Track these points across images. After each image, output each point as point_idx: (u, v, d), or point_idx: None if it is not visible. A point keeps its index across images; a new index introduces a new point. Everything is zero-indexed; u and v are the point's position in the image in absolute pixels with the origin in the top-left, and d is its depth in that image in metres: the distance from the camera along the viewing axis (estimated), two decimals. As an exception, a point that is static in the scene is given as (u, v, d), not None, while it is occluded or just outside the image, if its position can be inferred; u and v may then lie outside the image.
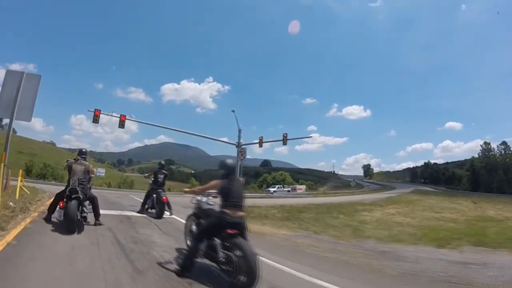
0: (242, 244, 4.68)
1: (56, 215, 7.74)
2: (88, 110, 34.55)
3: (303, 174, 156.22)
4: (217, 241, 4.94)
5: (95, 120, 34.26)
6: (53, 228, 7.33)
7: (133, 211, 12.27)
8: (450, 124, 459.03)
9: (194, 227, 6.03)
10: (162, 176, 12.28)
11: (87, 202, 8.30)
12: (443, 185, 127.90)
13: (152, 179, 12.43)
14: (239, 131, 46.15)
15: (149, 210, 11.84)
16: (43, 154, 76.91)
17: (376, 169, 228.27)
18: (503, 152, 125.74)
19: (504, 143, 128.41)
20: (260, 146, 44.73)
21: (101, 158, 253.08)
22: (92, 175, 8.68)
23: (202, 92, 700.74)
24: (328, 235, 11.89)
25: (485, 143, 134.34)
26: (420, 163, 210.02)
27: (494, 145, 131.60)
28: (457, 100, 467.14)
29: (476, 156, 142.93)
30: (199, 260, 5.19)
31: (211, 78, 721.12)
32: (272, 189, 62.32)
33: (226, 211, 4.94)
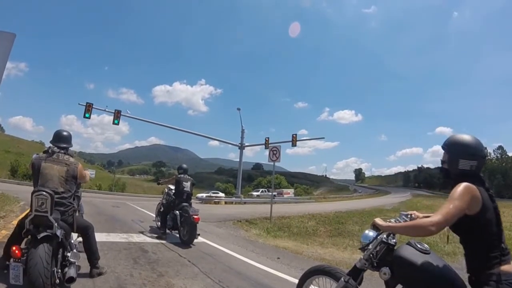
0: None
1: (11, 274, 3.31)
2: (79, 104, 31.01)
3: (296, 177, 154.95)
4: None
5: (87, 114, 30.68)
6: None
7: (144, 232, 8.52)
8: (440, 129, 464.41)
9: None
10: (188, 184, 8.16)
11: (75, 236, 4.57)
12: (437, 189, 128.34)
13: (172, 189, 8.49)
14: (242, 131, 42.93)
15: (168, 231, 7.98)
16: (31, 154, 72.79)
17: (367, 173, 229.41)
18: (499, 156, 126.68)
19: (500, 147, 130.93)
20: (266, 147, 41.50)
21: (91, 159, 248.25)
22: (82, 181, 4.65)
23: (195, 94, 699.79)
24: None
25: None
26: (410, 167, 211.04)
27: (489, 150, 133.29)
28: (447, 105, 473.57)
29: None
30: None
31: (203, 81, 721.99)
32: (255, 193, 56.94)
33: (505, 268, 1.99)
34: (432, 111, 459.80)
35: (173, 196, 8.27)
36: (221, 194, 51.12)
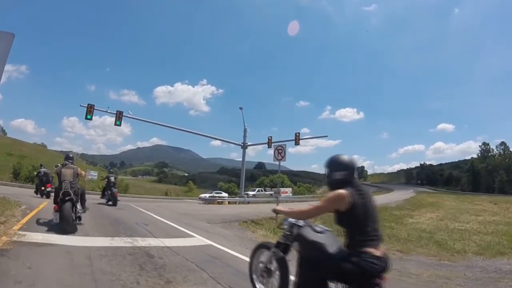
0: None
1: (53, 218, 7.98)
2: (81, 105, 30.85)
3: (299, 176, 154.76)
4: None
5: (88, 116, 30.49)
6: None
7: (149, 235, 8.42)
8: (442, 125, 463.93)
9: (275, 266, 4.01)
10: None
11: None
12: (440, 186, 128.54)
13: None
14: (245, 131, 42.59)
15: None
16: (33, 156, 73.23)
17: (369, 171, 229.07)
18: (502, 152, 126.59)
19: (503, 143, 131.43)
20: (269, 146, 41.25)
21: (93, 161, 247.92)
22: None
23: (196, 94, 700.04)
24: (420, 254, 9.66)
25: (484, 143, 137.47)
26: (412, 164, 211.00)
27: (492, 146, 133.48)
28: (449, 102, 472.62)
29: (469, 157, 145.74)
30: None
31: (205, 81, 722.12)
32: (251, 193, 54.15)
33: (369, 249, 2.85)
34: (434, 108, 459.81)
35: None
36: (224, 194, 50.81)
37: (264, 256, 4.25)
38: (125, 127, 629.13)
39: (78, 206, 8.37)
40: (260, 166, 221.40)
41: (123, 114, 32.58)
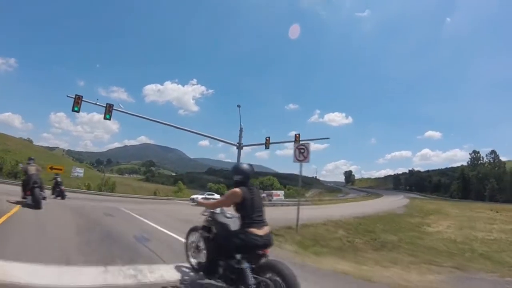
0: (278, 266, 3.98)
1: (29, 200, 12.24)
2: (68, 96, 28.15)
3: (287, 179, 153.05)
4: (245, 264, 4.13)
5: (75, 107, 27.94)
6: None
7: (157, 259, 6.22)
8: (429, 133, 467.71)
9: (202, 244, 5.24)
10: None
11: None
12: (429, 192, 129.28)
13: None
14: (241, 130, 40.22)
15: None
16: (18, 151, 70.34)
17: (357, 176, 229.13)
18: (492, 161, 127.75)
19: (493, 152, 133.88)
20: (267, 147, 39.06)
21: (79, 157, 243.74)
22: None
23: (186, 94, 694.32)
24: (479, 271, 8.50)
25: (474, 151, 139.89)
26: (399, 170, 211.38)
27: (481, 154, 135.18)
28: (438, 110, 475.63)
29: (456, 165, 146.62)
30: (215, 283, 4.53)
31: (195, 81, 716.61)
32: None
33: (253, 229, 4.27)
34: (422, 115, 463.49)
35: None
36: (217, 196, 48.60)
37: (195, 236, 5.55)
38: (113, 124, 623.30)
39: (42, 191, 13.09)
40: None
41: (113, 108, 30.11)
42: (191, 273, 5.43)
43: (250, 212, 4.30)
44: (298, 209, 13.28)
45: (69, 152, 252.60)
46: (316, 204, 47.74)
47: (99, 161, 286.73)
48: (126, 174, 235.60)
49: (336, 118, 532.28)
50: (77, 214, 12.53)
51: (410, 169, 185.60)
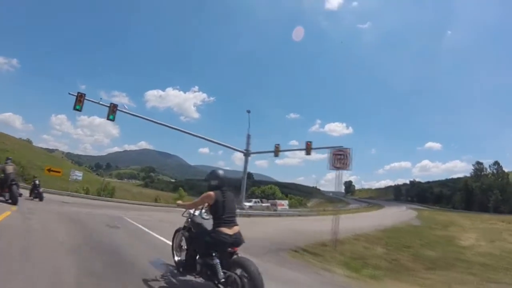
0: (245, 263, 4.50)
1: (6, 197, 14.19)
2: (70, 94, 26.64)
3: (288, 188, 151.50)
4: (216, 260, 4.70)
5: (77, 106, 26.28)
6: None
7: None
8: (430, 144, 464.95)
9: (184, 243, 5.86)
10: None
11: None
12: (430, 203, 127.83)
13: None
14: (248, 136, 38.63)
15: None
16: (16, 151, 68.26)
17: (357, 186, 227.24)
18: (495, 172, 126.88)
19: (496, 163, 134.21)
20: (276, 155, 37.38)
21: (78, 160, 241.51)
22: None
23: (187, 100, 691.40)
24: None
25: (477, 163, 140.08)
26: (399, 181, 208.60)
27: (484, 165, 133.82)
28: (438, 121, 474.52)
29: (456, 176, 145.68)
30: (194, 279, 5.31)
31: (196, 88, 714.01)
32: (247, 204, 47.77)
33: (223, 229, 4.82)
34: (423, 126, 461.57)
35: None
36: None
37: (179, 236, 6.14)
38: (113, 129, 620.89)
39: (19, 189, 15.17)
40: (248, 176, 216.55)
41: (118, 108, 28.49)
42: (175, 271, 5.86)
43: (221, 213, 4.88)
44: (334, 221, 11.55)
45: (68, 155, 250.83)
46: (321, 215, 45.86)
47: (98, 165, 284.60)
48: (125, 179, 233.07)
49: (337, 128, 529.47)
50: (74, 226, 10.58)
51: (411, 180, 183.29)
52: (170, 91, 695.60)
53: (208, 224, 5.11)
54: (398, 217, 41.08)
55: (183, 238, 5.84)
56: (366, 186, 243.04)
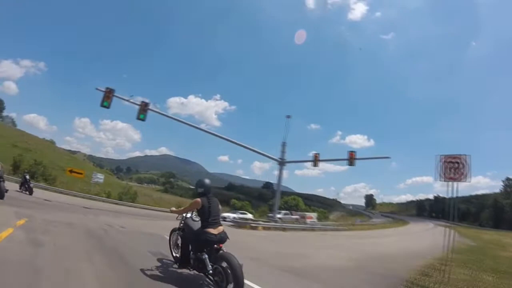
0: (228, 257, 5.47)
1: None
2: (97, 89, 24.63)
3: (309, 200, 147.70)
4: (205, 255, 5.71)
5: (105, 102, 24.22)
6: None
7: None
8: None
9: (179, 241, 6.91)
10: None
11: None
12: (456, 220, 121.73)
13: None
14: (284, 144, 35.96)
15: None
16: (39, 151, 67.92)
17: (377, 200, 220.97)
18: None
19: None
20: (315, 165, 34.60)
21: (100, 163, 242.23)
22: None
23: (208, 108, 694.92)
24: None
25: (507, 179, 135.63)
26: (420, 196, 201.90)
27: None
28: (461, 135, 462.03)
29: (480, 192, 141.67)
30: (189, 271, 6.29)
31: (218, 96, 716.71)
32: (277, 215, 42.46)
33: (209, 230, 5.84)
34: (445, 140, 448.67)
35: None
36: (249, 215, 44.35)
37: (175, 236, 7.32)
38: (135, 134, 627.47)
39: (5, 185, 16.84)
40: (267, 185, 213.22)
41: (149, 108, 26.31)
42: (173, 265, 6.95)
43: (207, 216, 5.95)
44: (448, 239, 8.86)
45: (90, 157, 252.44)
46: (351, 230, 43.17)
47: (119, 169, 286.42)
48: (145, 184, 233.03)
49: (358, 140, 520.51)
50: (109, 262, 6.93)
51: (435, 195, 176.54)
52: (192, 98, 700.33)
53: (198, 225, 6.16)
54: (439, 234, 38.14)
55: (178, 237, 7.01)
56: (386, 200, 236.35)
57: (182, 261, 6.36)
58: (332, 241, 22.55)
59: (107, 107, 24.29)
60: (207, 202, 6.01)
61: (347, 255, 13.82)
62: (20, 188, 24.20)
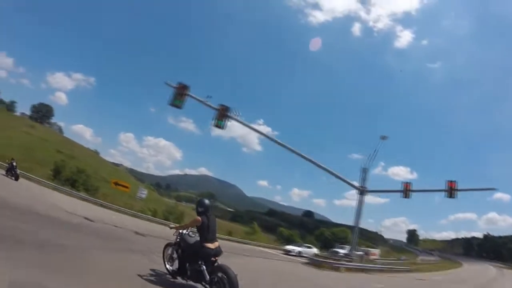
0: (224, 268, 6.60)
1: None
2: (167, 84, 19.53)
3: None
4: (203, 266, 6.75)
5: (176, 101, 19.12)
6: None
7: None
8: (499, 195, 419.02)
9: (175, 255, 7.85)
10: None
11: None
12: (510, 261, 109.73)
13: None
14: (365, 170, 29.84)
15: None
16: (82, 159, 65.53)
17: (421, 236, 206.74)
18: None
19: None
20: (407, 196, 28.20)
21: (140, 177, 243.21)
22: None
23: (251, 133, 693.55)
24: None
25: None
26: (462, 234, 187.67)
27: None
28: (508, 170, 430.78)
29: None
30: (185, 282, 7.41)
31: (262, 121, 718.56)
32: (341, 251, 38.62)
33: (208, 244, 6.98)
34: (492, 174, 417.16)
35: None
36: (315, 249, 37.83)
37: (169, 250, 8.22)
38: (177, 152, 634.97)
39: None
40: (308, 214, 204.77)
41: (229, 114, 20.95)
42: (168, 275, 7.85)
43: (206, 233, 7.07)
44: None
45: (131, 172, 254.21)
46: (415, 270, 35.85)
47: (159, 185, 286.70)
48: (184, 202, 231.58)
49: (400, 172, 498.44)
50: None
51: (485, 233, 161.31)
52: (235, 122, 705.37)
53: (193, 240, 7.40)
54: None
55: (174, 251, 7.97)
56: (427, 236, 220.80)
57: (179, 272, 7.45)
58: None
59: (179, 106, 19.30)
60: (207, 219, 7.20)
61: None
62: (6, 173, 25.62)
